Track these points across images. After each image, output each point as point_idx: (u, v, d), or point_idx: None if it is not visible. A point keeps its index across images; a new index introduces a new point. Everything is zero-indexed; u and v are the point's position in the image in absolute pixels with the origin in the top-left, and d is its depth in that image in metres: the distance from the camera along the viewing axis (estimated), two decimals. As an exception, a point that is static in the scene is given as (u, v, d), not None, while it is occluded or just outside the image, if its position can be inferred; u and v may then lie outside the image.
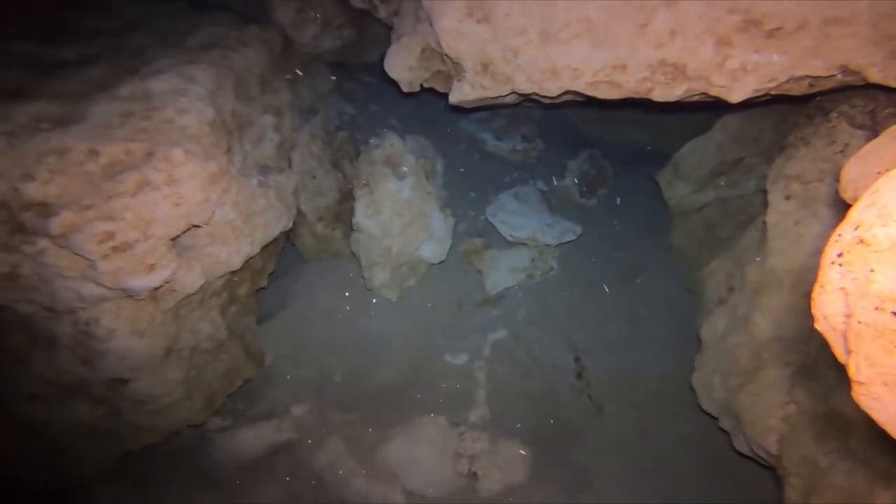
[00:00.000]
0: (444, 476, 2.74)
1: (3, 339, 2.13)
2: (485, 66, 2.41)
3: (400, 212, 3.21)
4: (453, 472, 2.75)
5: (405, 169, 3.33)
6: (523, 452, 2.81)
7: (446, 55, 2.47)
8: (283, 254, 3.38)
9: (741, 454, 2.40)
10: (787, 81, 1.91)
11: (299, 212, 3.17)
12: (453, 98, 2.61)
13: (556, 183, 3.97)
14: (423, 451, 2.79)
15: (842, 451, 1.84)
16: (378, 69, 4.44)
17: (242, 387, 2.92)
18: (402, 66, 2.79)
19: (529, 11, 2.17)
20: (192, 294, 2.38)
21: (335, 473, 2.74)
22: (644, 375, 3.10)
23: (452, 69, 2.59)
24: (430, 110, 4.35)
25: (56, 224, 1.87)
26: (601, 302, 3.45)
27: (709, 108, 2.60)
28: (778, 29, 1.79)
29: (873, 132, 2.00)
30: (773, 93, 2.03)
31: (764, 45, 1.83)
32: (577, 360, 3.25)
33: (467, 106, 2.72)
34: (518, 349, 3.26)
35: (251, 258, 2.66)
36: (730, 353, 2.38)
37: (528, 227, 3.52)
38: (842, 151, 2.12)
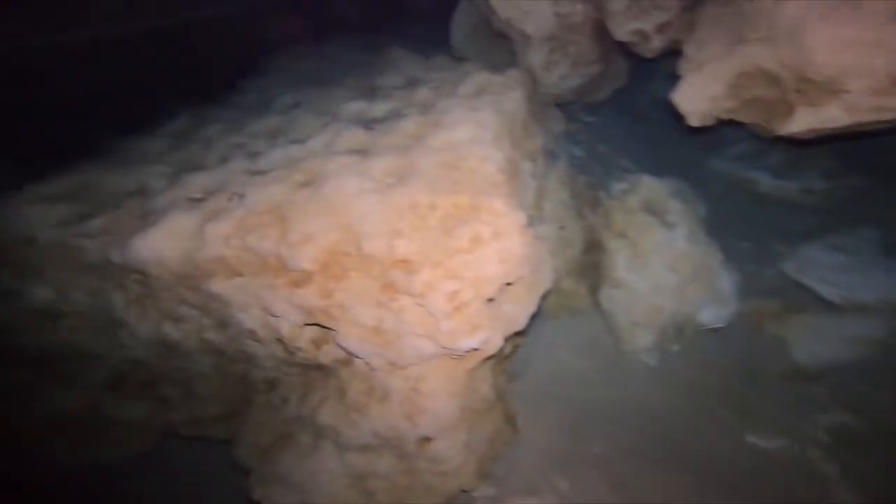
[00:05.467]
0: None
1: (348, 387, 2.22)
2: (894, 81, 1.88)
3: (674, 266, 2.82)
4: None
5: (672, 217, 2.97)
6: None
7: (806, 77, 2.05)
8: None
9: None
10: None
11: (548, 266, 2.98)
12: (795, 127, 2.17)
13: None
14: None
15: None
16: (603, 107, 4.27)
17: (501, 452, 2.73)
18: (702, 96, 2.46)
19: None
20: (491, 355, 2.26)
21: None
22: None
23: (797, 91, 2.14)
24: (664, 150, 3.98)
25: (419, 282, 1.87)
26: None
27: None
28: None
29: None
30: None
31: None
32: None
33: (802, 137, 2.27)
34: (876, 439, 2.48)
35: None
36: None
37: (873, 287, 2.79)
38: None
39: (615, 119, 4.08)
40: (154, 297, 2.29)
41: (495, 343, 2.20)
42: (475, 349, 2.09)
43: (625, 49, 3.14)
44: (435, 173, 2.22)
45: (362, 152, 2.37)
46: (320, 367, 2.47)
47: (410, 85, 3.12)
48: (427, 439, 2.20)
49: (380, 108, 2.80)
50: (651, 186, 3.09)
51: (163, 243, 2.07)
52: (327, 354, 2.37)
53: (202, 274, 2.15)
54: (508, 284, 2.18)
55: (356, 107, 2.87)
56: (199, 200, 2.25)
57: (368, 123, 2.64)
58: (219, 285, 2.18)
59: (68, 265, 2.22)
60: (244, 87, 3.79)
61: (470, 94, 2.81)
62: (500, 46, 3.59)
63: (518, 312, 2.32)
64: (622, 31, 2.79)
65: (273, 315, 2.22)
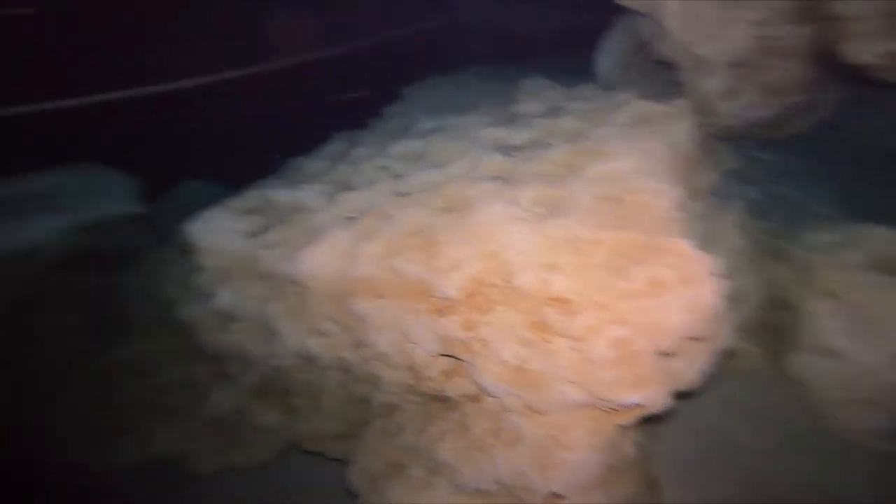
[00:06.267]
0: None
1: (473, 424, 2.07)
2: None
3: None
4: None
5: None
6: None
7: None
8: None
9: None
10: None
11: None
12: None
13: None
14: None
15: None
16: (778, 143, 3.65)
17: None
18: None
19: None
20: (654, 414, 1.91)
21: None
22: None
23: None
24: (861, 196, 3.23)
25: (579, 324, 1.66)
26: None
27: None
28: None
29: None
30: None
31: None
32: None
33: None
34: None
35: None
36: None
37: None
38: None
39: (796, 156, 3.45)
40: (305, 310, 2.40)
41: (660, 401, 1.85)
42: (636, 405, 1.77)
43: (850, 75, 2.61)
44: (593, 206, 2.01)
45: (504, 179, 2.28)
46: (444, 399, 2.34)
47: (552, 113, 2.99)
48: (556, 496, 1.90)
49: (519, 136, 2.71)
50: (884, 239, 2.49)
51: (323, 258, 2.16)
52: (456, 388, 2.23)
53: (350, 291, 2.19)
54: (692, 339, 1.85)
55: (495, 133, 2.82)
56: (353, 219, 2.33)
57: (508, 150, 2.55)
58: (362, 304, 2.20)
59: (248, 274, 2.45)
60: (386, 113, 4.02)
61: (627, 124, 2.59)
62: (653, 76, 3.31)
63: (689, 370, 1.96)
64: (868, 52, 2.35)
65: (410, 341, 2.16)
